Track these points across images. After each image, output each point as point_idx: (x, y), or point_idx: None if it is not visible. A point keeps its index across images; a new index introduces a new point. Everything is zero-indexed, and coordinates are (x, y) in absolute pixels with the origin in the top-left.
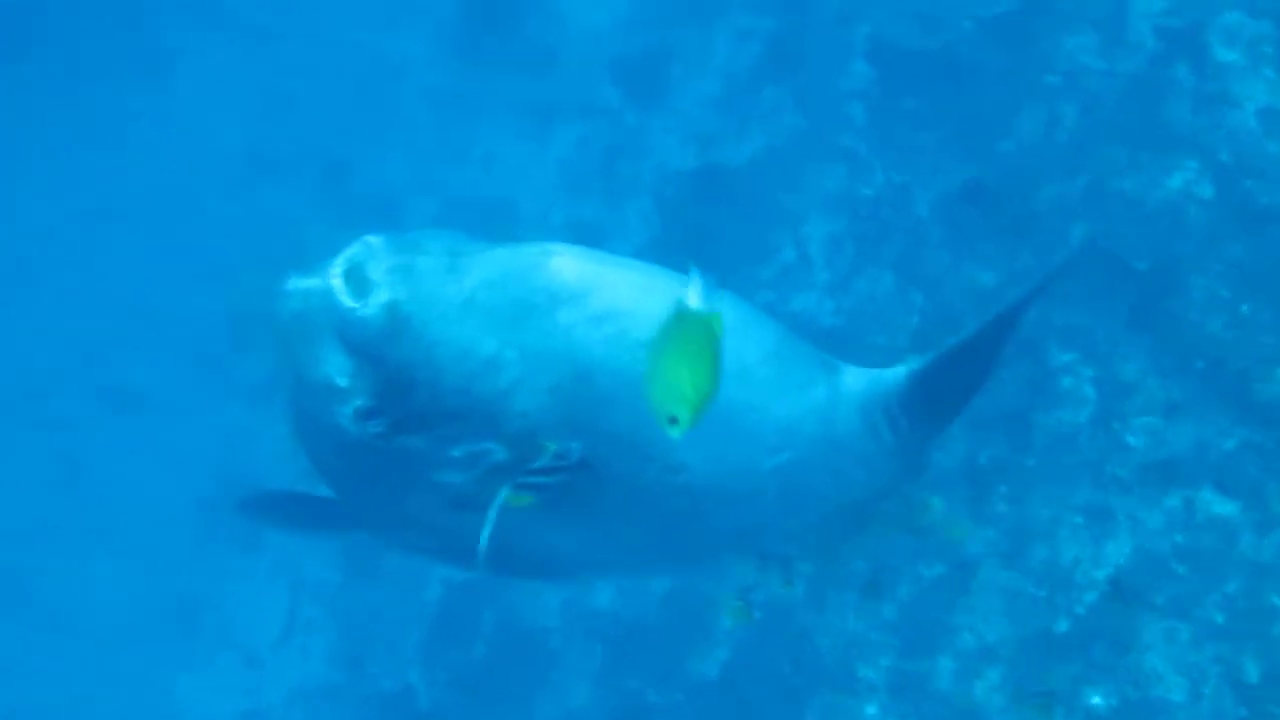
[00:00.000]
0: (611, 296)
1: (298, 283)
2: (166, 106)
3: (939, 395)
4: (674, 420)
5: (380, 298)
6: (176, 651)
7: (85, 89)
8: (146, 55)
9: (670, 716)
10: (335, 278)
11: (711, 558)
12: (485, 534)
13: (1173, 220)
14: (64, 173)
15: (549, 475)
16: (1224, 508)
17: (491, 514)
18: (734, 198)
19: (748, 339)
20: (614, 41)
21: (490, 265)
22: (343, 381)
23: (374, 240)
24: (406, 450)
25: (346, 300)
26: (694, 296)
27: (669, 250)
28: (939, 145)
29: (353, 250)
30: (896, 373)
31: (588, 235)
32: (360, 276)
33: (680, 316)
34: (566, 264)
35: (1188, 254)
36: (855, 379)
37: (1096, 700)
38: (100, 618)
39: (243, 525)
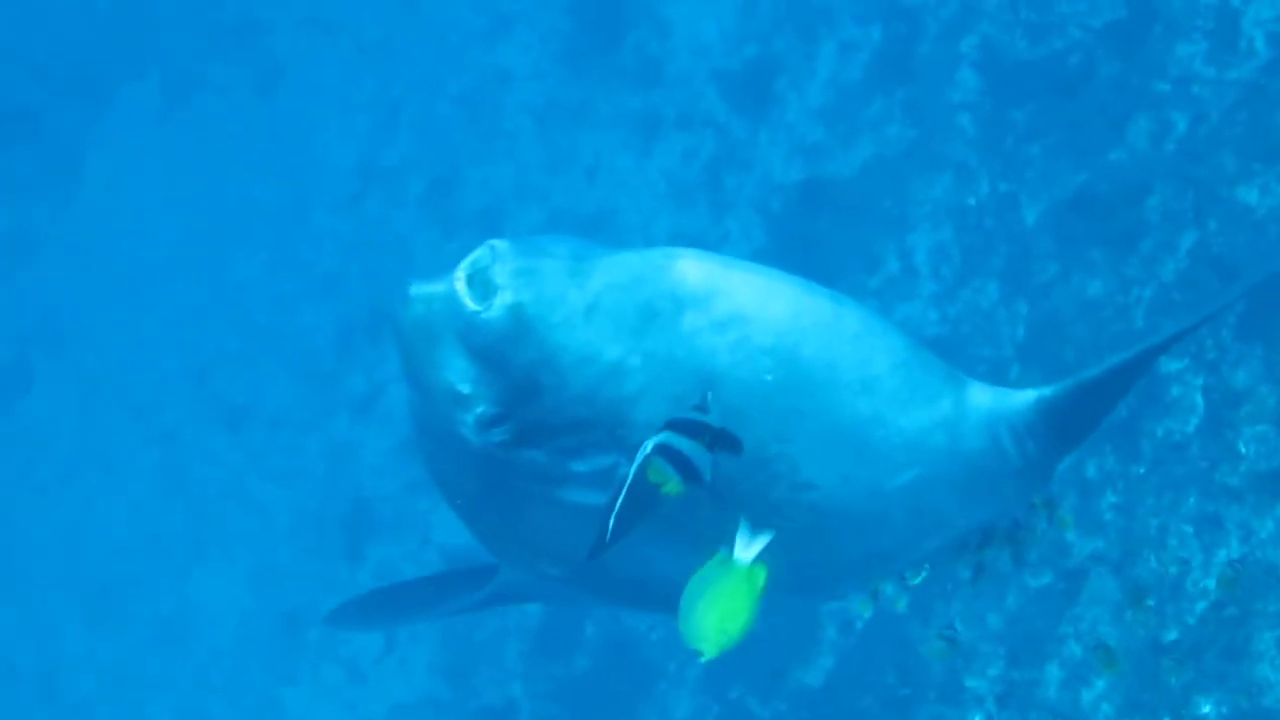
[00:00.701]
0: (735, 301)
1: (420, 288)
2: (275, 119)
3: (1070, 422)
4: (699, 652)
5: (504, 300)
6: (281, 664)
7: (195, 102)
8: (255, 68)
9: None
10: (459, 281)
11: (834, 588)
12: (621, 498)
13: None
14: (175, 186)
15: (694, 435)
16: None
17: (632, 473)
18: (839, 208)
19: (876, 347)
20: (720, 53)
21: (615, 269)
22: (465, 388)
23: (498, 244)
24: (529, 463)
25: (470, 304)
26: (741, 548)
27: (773, 261)
28: (1047, 155)
29: (477, 254)
30: (1026, 395)
31: (691, 245)
32: (484, 280)
33: (723, 562)
34: (691, 267)
35: None
36: (982, 394)
37: (1208, 709)
38: (206, 630)
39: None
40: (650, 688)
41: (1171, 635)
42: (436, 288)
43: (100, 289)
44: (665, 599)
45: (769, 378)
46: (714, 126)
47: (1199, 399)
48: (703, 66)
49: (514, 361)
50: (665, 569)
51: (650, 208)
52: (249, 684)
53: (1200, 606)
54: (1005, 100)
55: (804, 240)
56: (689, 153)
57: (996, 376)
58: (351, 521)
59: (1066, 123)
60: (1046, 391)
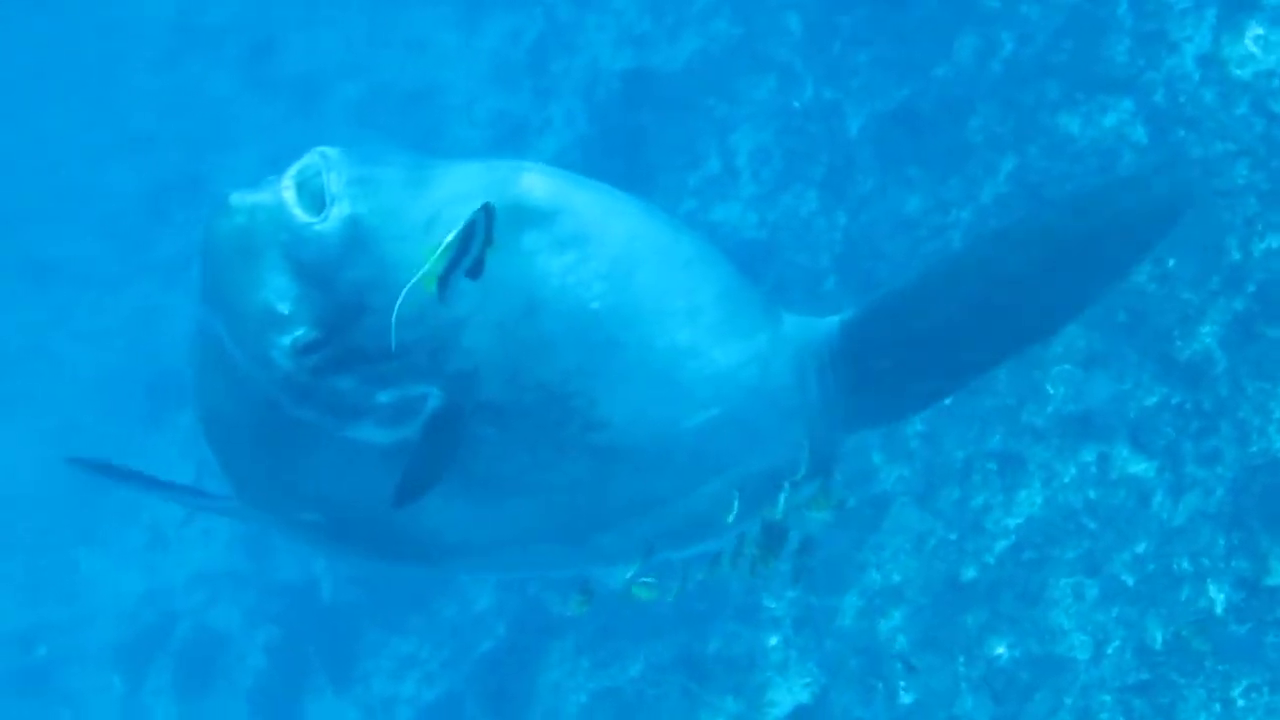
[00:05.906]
0: (577, 222)
1: (242, 197)
2: None
3: (870, 346)
4: None
5: (341, 211)
6: (82, 526)
7: None
8: None
9: (572, 626)
10: (287, 190)
11: (598, 536)
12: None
13: (1104, 162)
14: None
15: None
16: (1139, 466)
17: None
18: (663, 102)
19: (705, 276)
20: None
21: (458, 179)
22: (284, 308)
23: (329, 150)
24: (332, 392)
25: (301, 215)
26: None
27: (595, 151)
28: (874, 64)
29: (306, 160)
30: (830, 321)
31: (513, 130)
32: (314, 189)
33: None
34: (537, 182)
35: None
36: (794, 326)
37: (1000, 650)
38: (7, 490)
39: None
40: (452, 580)
41: (970, 573)
42: (261, 196)
43: None
44: (427, 546)
45: (595, 305)
46: (542, 6)
47: None
48: None
49: (344, 279)
50: (430, 515)
51: (474, 88)
52: (49, 545)
53: (1000, 546)
54: (834, 3)
55: (627, 132)
56: (515, 33)
57: (812, 286)
58: (155, 386)
59: (894, 32)
60: (848, 313)
